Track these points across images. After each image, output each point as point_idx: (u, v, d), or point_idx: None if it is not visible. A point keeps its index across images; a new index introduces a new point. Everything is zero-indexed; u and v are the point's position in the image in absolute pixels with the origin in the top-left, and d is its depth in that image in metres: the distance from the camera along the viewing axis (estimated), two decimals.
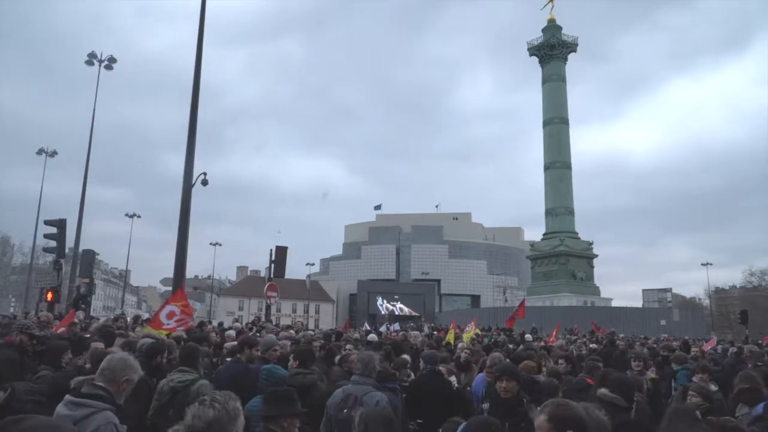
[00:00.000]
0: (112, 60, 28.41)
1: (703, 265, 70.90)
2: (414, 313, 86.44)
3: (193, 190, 20.22)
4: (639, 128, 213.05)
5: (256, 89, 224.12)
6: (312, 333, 16.86)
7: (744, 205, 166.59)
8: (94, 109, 27.61)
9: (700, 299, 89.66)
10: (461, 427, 3.46)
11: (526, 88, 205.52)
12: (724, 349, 16.00)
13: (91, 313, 24.86)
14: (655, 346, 15.33)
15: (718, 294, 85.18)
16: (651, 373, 8.70)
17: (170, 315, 9.35)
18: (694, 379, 7.50)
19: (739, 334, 43.38)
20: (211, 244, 75.56)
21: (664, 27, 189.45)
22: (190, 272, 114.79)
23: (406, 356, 7.59)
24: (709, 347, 16.49)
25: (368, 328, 27.23)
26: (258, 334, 11.51)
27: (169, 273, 21.86)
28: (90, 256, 22.44)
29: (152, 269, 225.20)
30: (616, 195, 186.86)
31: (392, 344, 9.86)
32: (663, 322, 50.19)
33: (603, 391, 4.59)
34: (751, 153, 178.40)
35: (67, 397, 3.37)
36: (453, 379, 7.21)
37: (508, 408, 4.94)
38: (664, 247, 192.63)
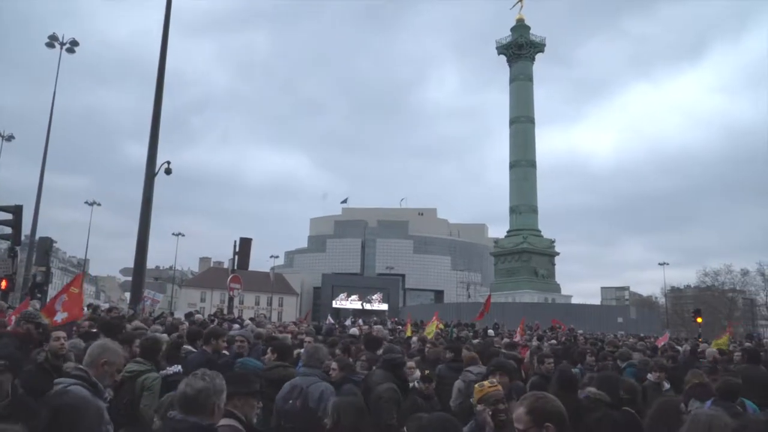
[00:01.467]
0: (74, 43, 27.59)
1: (660, 264, 72.99)
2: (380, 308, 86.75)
3: (157, 179, 19.88)
4: (600, 131, 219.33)
5: (223, 80, 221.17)
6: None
7: (698, 207, 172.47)
8: (54, 93, 26.80)
9: (656, 298, 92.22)
10: (422, 423, 3.50)
11: (491, 88, 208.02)
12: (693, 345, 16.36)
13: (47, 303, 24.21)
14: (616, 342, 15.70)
15: (674, 293, 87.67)
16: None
17: (63, 303, 8.87)
18: (650, 377, 7.71)
19: (693, 332, 44.79)
20: (173, 234, 74.39)
21: (625, 34, 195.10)
22: (151, 262, 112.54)
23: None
24: (662, 342, 17.18)
25: (331, 321, 27.17)
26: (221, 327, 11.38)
27: (130, 263, 21.45)
28: (47, 243, 21.81)
29: (112, 259, 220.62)
30: (577, 195, 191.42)
31: (366, 338, 9.88)
32: (620, 320, 51.44)
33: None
34: (706, 158, 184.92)
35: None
36: (417, 374, 7.25)
37: None
38: (621, 246, 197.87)
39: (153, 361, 5.62)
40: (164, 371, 5.55)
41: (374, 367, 6.85)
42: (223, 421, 3.16)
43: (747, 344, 15.44)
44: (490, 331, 19.53)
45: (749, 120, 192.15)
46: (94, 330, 8.01)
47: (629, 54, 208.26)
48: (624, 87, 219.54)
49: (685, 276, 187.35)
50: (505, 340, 14.11)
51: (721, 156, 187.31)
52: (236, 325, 14.32)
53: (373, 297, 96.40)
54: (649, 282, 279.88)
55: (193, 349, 6.90)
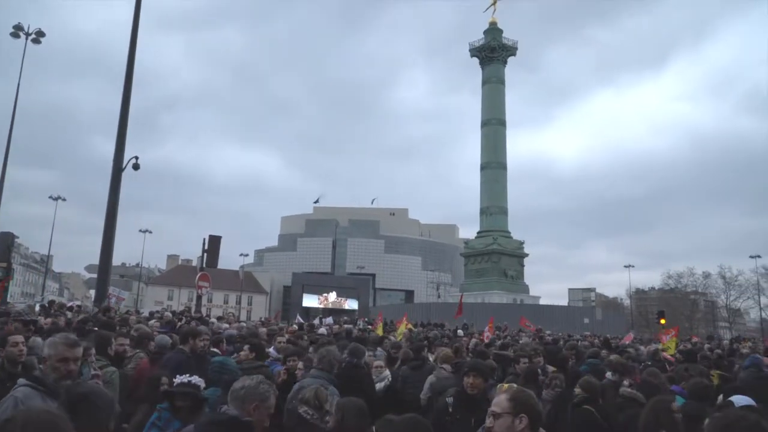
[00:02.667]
0: (40, 34, 26.89)
1: (625, 267, 74.37)
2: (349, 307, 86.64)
3: (124, 174, 19.54)
4: (566, 135, 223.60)
5: (193, 76, 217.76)
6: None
7: (662, 211, 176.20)
8: (18, 85, 26.08)
9: (621, 299, 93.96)
10: (392, 424, 3.51)
11: (462, 90, 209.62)
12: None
13: (8, 299, 23.58)
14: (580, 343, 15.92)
15: (638, 295, 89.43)
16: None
17: None
18: (609, 375, 7.88)
19: (656, 332, 45.71)
20: (140, 231, 72.92)
21: (590, 42, 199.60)
22: (117, 259, 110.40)
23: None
24: (628, 341, 17.62)
25: (300, 320, 27.01)
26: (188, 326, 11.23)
27: (95, 259, 21.04)
28: (8, 239, 21.26)
29: (77, 255, 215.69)
30: (545, 197, 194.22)
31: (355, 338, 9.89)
32: (586, 321, 52.27)
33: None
34: (669, 163, 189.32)
35: None
36: (387, 373, 7.29)
37: (474, 403, 4.99)
38: (587, 248, 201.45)
39: (106, 356, 5.72)
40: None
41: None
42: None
43: (687, 346, 15.75)
44: (460, 332, 19.68)
45: (710, 127, 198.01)
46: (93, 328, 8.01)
47: (594, 61, 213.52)
48: (590, 93, 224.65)
49: (650, 278, 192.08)
50: (474, 340, 14.24)
51: (684, 162, 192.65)
52: (225, 325, 14.08)
53: (341, 298, 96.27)
54: (615, 284, 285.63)
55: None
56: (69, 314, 13.79)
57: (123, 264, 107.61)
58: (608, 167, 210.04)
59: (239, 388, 3.18)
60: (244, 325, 15.41)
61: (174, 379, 3.93)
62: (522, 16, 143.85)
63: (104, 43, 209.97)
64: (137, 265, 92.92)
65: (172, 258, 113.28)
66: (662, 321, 40.07)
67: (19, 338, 5.22)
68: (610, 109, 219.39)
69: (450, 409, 5.17)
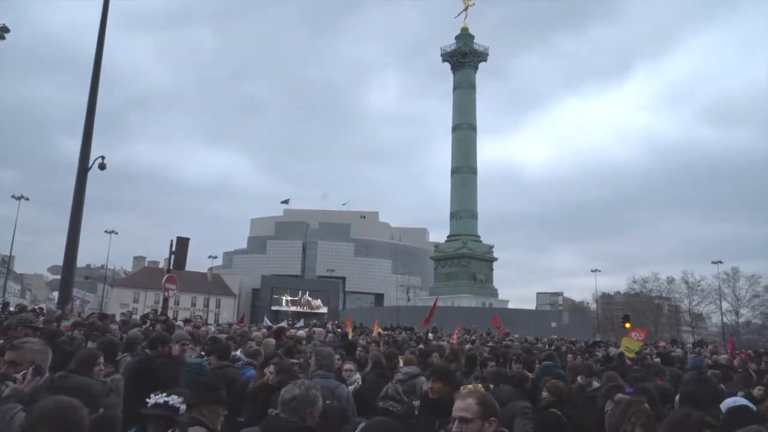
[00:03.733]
0: (4, 29, 26.15)
1: (592, 271, 75.72)
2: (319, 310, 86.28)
3: (90, 174, 19.15)
4: (534, 141, 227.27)
5: (163, 77, 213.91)
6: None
7: (626, 218, 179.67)
8: None
9: (588, 303, 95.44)
10: (360, 427, 3.51)
11: (431, 95, 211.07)
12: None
13: None
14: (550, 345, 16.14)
15: (604, 299, 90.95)
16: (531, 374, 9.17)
17: None
18: (579, 379, 8.01)
19: (621, 336, 46.46)
20: (106, 231, 71.30)
21: (557, 51, 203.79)
22: (81, 260, 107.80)
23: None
24: None
25: (268, 323, 26.75)
26: (152, 329, 11.06)
27: (59, 260, 20.57)
28: None
29: (40, 256, 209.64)
30: (513, 202, 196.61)
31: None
32: (554, 324, 52.90)
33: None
34: (632, 171, 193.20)
35: None
36: (357, 376, 7.28)
37: (438, 407, 4.96)
38: (554, 253, 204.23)
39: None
40: None
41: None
42: (192, 430, 3.26)
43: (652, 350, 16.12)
44: (430, 335, 19.74)
45: (671, 137, 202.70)
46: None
47: (561, 70, 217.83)
48: (556, 101, 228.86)
49: (616, 283, 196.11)
50: (442, 342, 14.32)
51: (646, 170, 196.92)
52: (212, 327, 13.89)
53: (312, 299, 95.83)
54: (582, 288, 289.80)
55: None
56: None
57: (88, 265, 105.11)
58: (575, 173, 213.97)
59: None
60: (213, 328, 15.21)
61: (148, 399, 3.53)
62: (491, 24, 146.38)
63: (72, 43, 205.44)
64: (102, 266, 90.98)
65: (138, 260, 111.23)
66: (627, 324, 40.79)
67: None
68: (576, 117, 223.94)
69: (416, 412, 5.20)
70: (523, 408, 5.34)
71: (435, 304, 19.01)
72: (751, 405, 4.89)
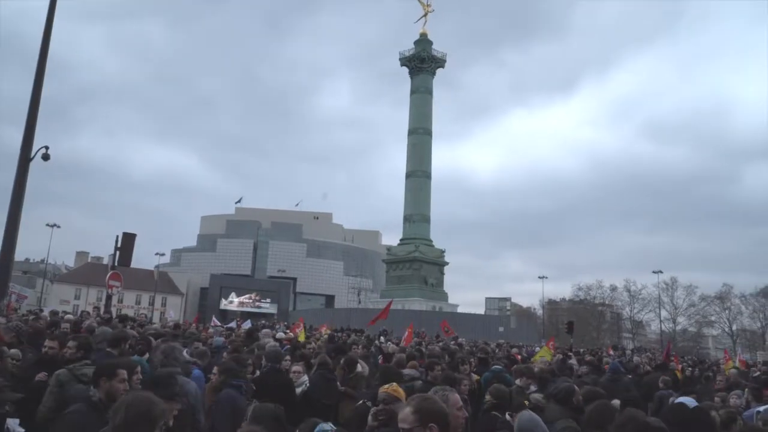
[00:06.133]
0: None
1: (539, 278, 77.31)
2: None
3: (32, 165, 18.39)
4: (484, 150, 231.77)
5: (112, 69, 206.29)
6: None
7: (570, 227, 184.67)
8: None
9: (534, 309, 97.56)
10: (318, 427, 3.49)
11: (384, 100, 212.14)
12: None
13: None
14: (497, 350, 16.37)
15: (550, 305, 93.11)
16: (476, 376, 9.31)
17: None
18: (518, 381, 8.21)
19: (565, 342, 47.68)
20: (47, 225, 68.44)
21: (505, 64, 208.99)
22: (20, 254, 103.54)
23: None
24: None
25: (216, 323, 26.28)
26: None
27: None
28: None
29: None
30: (462, 208, 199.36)
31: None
32: (501, 329, 53.78)
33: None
34: (576, 183, 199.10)
35: None
36: (305, 378, 7.22)
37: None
38: (502, 259, 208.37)
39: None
40: None
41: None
42: None
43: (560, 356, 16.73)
44: (381, 338, 19.75)
45: (613, 152, 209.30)
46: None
47: (509, 82, 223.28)
48: (505, 111, 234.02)
49: (562, 289, 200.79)
50: (392, 345, 14.35)
51: (590, 182, 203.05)
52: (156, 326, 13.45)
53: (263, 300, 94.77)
54: (529, 294, 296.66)
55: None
56: None
57: (27, 260, 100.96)
58: (522, 183, 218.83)
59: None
60: (155, 326, 14.83)
61: None
62: (443, 34, 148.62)
63: (17, 31, 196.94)
64: (42, 261, 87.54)
65: (81, 255, 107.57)
66: (571, 330, 41.93)
67: None
68: (523, 128, 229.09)
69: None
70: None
71: (389, 306, 18.95)
72: (689, 402, 5.17)
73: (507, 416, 5.13)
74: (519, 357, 11.99)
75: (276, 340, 11.81)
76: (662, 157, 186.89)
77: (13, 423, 4.09)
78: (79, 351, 5.56)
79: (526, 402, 5.73)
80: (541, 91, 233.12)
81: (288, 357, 8.09)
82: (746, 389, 8.06)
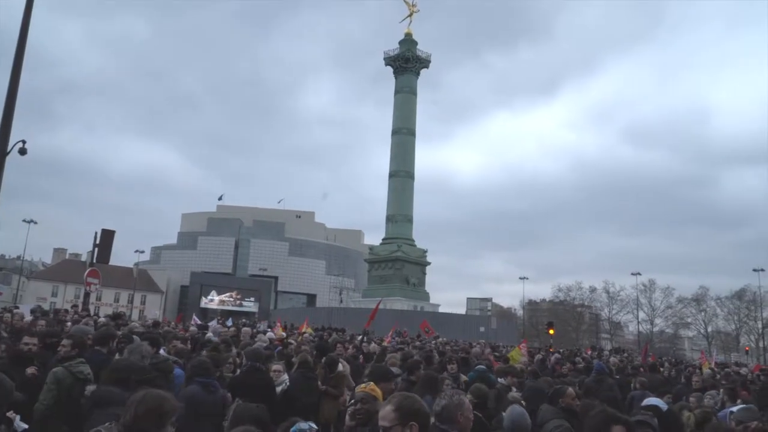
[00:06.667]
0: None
1: (520, 279, 77.92)
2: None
3: (9, 159, 18.08)
4: (466, 151, 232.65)
5: (93, 64, 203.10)
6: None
7: (551, 229, 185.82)
8: None
9: (515, 309, 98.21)
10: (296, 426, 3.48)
11: (368, 100, 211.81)
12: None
13: None
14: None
15: (531, 306, 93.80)
16: (464, 376, 9.38)
17: None
18: (501, 380, 8.30)
19: (545, 342, 48.16)
20: (24, 221, 67.38)
21: (488, 66, 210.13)
22: None
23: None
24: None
25: (197, 321, 26.06)
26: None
27: None
28: None
29: None
30: (443, 209, 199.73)
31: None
32: (482, 329, 54.05)
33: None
34: (557, 185, 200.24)
35: None
36: (285, 377, 7.21)
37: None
38: (483, 260, 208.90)
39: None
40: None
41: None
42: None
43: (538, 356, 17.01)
44: (362, 337, 19.71)
45: (594, 155, 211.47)
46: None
47: (492, 84, 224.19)
48: (487, 113, 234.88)
49: (542, 290, 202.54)
50: (373, 345, 14.37)
51: (571, 184, 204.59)
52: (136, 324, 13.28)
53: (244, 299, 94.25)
54: (510, 294, 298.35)
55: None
56: None
57: (2, 256, 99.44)
58: (503, 184, 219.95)
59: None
60: (137, 325, 14.67)
61: None
62: (427, 34, 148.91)
63: None
64: (19, 257, 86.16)
65: (59, 252, 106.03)
66: (551, 331, 42.30)
67: None
68: (506, 130, 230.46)
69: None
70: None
71: (377, 306, 18.91)
72: (662, 404, 5.70)
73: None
74: (495, 362, 12.11)
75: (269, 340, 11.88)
76: (642, 161, 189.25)
77: (16, 420, 4.29)
78: (74, 349, 5.67)
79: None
80: (524, 94, 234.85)
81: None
82: (721, 390, 8.23)
